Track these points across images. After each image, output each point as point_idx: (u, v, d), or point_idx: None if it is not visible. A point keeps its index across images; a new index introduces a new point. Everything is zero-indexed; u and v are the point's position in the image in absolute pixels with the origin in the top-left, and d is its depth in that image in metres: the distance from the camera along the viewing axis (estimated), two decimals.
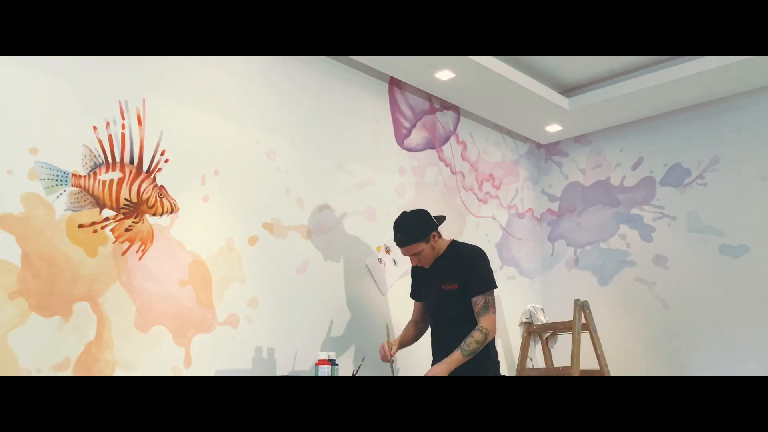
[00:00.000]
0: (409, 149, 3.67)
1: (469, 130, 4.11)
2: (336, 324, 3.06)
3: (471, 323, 2.62)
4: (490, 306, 2.62)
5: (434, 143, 3.85)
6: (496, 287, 2.69)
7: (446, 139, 3.93)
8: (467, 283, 2.67)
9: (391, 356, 2.75)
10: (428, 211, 2.78)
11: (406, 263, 3.48)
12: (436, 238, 2.74)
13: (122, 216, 2.40)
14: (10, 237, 2.11)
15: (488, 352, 2.67)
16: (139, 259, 2.42)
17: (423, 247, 2.69)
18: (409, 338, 2.93)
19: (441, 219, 2.81)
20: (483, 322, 2.59)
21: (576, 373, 3.47)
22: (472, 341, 2.55)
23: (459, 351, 2.54)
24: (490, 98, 3.87)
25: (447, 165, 3.91)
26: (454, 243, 2.81)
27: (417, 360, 3.11)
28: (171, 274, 2.50)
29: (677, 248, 3.94)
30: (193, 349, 2.52)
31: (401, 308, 3.40)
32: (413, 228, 2.68)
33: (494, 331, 2.61)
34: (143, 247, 2.44)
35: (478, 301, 2.63)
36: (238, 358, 2.66)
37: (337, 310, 3.08)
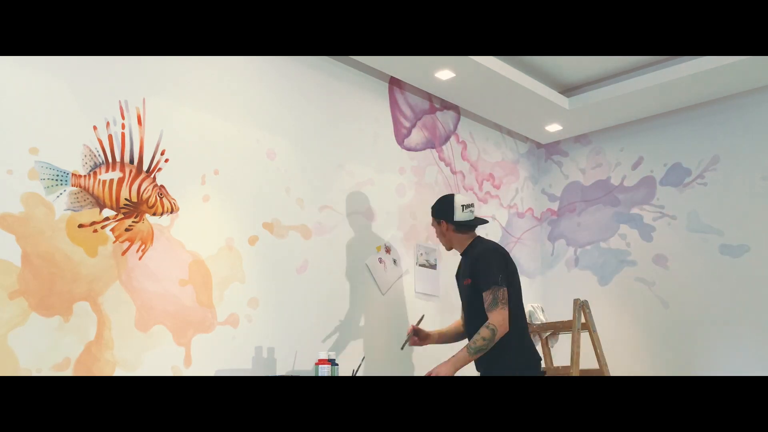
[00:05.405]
0: (409, 149, 3.67)
1: (469, 129, 4.11)
2: (336, 324, 3.06)
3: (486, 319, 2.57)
4: (498, 302, 2.53)
5: (434, 143, 3.85)
6: (499, 285, 2.55)
7: (446, 139, 3.93)
8: (476, 279, 2.64)
9: (408, 332, 2.87)
10: (456, 200, 2.77)
11: (406, 263, 3.48)
12: (446, 227, 2.78)
13: (122, 216, 2.40)
14: (10, 237, 2.11)
15: (522, 339, 2.64)
16: (139, 258, 2.42)
17: (435, 226, 2.86)
18: (453, 330, 2.95)
19: (476, 220, 2.80)
20: (491, 318, 2.51)
21: (576, 373, 3.46)
22: (479, 338, 2.49)
23: (466, 349, 2.51)
24: (490, 98, 3.87)
25: (447, 165, 3.91)
26: (477, 239, 2.80)
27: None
28: (171, 273, 2.50)
29: (677, 248, 3.94)
30: (193, 348, 2.52)
31: (401, 308, 3.40)
32: (434, 206, 2.87)
33: (504, 326, 2.52)
34: (143, 246, 2.44)
35: (486, 296, 2.57)
36: (238, 358, 2.66)
37: (337, 310, 3.08)
